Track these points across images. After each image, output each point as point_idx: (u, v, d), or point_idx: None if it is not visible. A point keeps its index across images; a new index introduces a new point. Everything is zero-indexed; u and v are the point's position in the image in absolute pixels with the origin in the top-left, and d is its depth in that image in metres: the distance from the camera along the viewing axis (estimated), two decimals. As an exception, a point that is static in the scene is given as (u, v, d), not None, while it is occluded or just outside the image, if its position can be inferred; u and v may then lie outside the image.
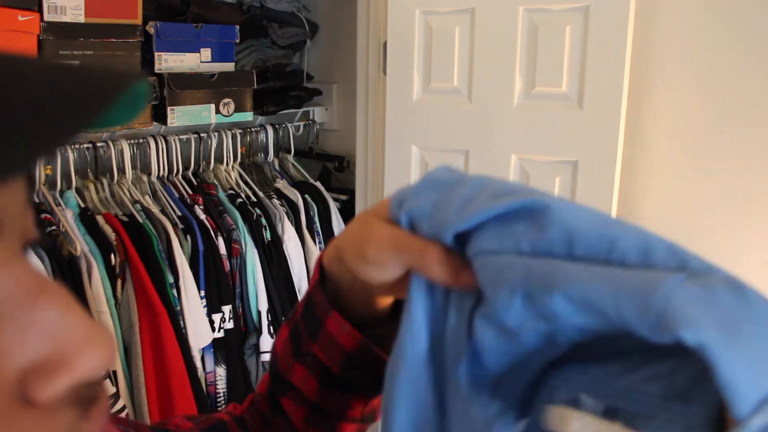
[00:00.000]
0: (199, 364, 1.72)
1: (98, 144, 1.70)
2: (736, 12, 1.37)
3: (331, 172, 2.27)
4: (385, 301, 0.49)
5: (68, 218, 1.57)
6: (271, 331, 1.84)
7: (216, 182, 1.95)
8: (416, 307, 0.38)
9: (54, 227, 1.53)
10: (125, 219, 1.66)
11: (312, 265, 1.98)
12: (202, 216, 1.78)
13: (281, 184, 2.04)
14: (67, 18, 1.56)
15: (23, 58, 0.22)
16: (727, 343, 0.25)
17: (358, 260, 0.41)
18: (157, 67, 1.77)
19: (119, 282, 1.59)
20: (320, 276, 0.48)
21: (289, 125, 2.15)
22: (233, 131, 1.98)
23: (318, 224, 2.04)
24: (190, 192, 1.85)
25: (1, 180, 0.17)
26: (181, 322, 1.66)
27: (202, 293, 1.74)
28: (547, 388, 0.34)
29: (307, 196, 2.02)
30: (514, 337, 0.34)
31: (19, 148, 0.18)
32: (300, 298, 2.03)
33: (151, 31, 1.74)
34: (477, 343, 0.35)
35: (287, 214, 1.94)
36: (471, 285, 0.36)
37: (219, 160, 1.97)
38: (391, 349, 0.41)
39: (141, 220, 1.66)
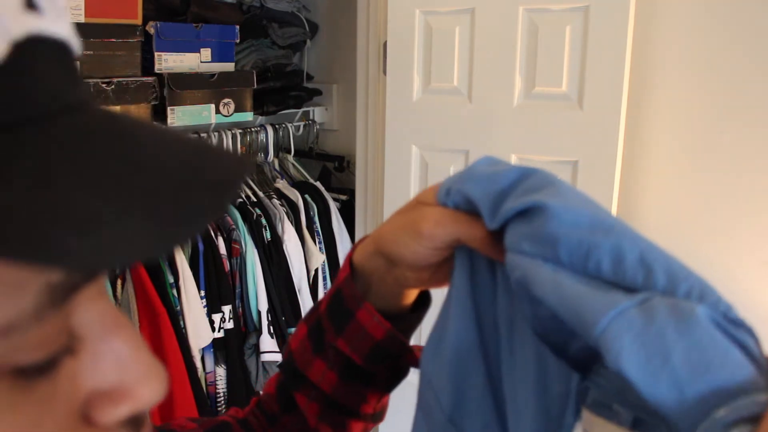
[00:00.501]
0: (199, 364, 1.72)
1: (98, 144, 1.70)
2: (736, 12, 1.37)
3: (331, 172, 2.27)
4: (410, 296, 0.52)
5: (68, 218, 1.57)
6: (271, 331, 1.84)
7: (216, 182, 1.95)
8: (460, 280, 0.44)
9: (54, 227, 1.53)
10: (125, 219, 1.66)
11: (312, 265, 1.98)
12: (202, 216, 1.77)
13: (281, 184, 2.04)
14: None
15: (166, 138, 0.24)
16: (648, 370, 0.28)
17: (411, 238, 0.45)
18: (157, 67, 1.77)
19: (119, 282, 1.59)
20: (350, 272, 0.52)
21: (289, 125, 2.15)
22: (233, 131, 1.98)
23: (318, 224, 2.04)
24: (190, 192, 1.85)
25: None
26: (181, 322, 1.66)
27: (202, 293, 1.74)
28: (584, 386, 0.36)
29: (307, 196, 2.02)
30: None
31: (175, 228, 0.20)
32: (300, 298, 2.04)
33: (151, 31, 1.74)
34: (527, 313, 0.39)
35: (287, 214, 1.94)
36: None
37: (219, 160, 1.97)
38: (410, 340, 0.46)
39: (141, 220, 1.66)
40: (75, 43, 0.22)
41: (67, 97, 0.21)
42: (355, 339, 0.51)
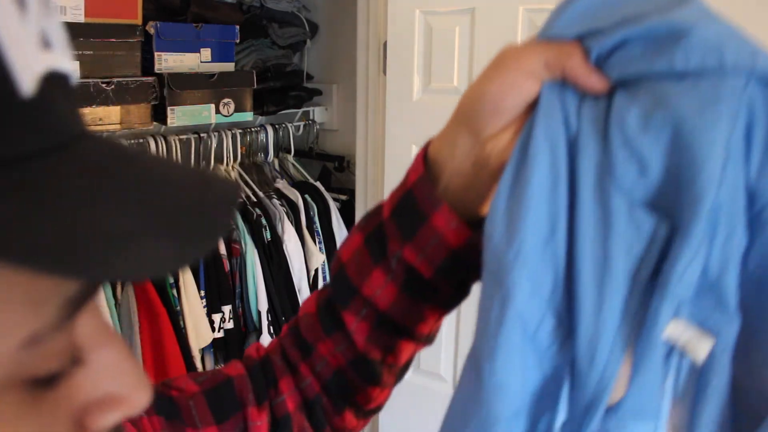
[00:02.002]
0: (199, 364, 1.72)
1: (98, 144, 1.70)
2: (737, 12, 1.37)
3: (331, 172, 2.27)
4: (485, 202, 0.47)
5: (68, 218, 1.57)
6: (271, 331, 1.85)
7: (216, 182, 1.95)
8: (542, 125, 0.40)
9: (54, 227, 1.53)
10: (125, 219, 1.66)
11: (312, 265, 1.98)
12: (202, 216, 1.78)
13: (281, 184, 2.04)
14: (67, 18, 1.56)
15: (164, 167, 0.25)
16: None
17: (497, 73, 0.43)
18: (157, 67, 1.77)
19: (119, 282, 1.59)
20: (425, 170, 0.47)
21: (289, 125, 2.15)
22: (233, 131, 1.98)
23: (318, 224, 2.04)
24: (190, 192, 1.85)
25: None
26: (181, 322, 1.66)
27: (202, 293, 1.74)
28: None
29: (307, 196, 2.02)
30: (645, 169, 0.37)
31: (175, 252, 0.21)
32: (300, 298, 2.04)
33: (151, 31, 1.74)
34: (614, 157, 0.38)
35: (287, 214, 1.94)
36: (604, 88, 0.39)
37: (219, 160, 1.97)
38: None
39: (141, 220, 1.66)
40: (75, 75, 0.24)
41: (77, 126, 0.23)
42: (427, 247, 0.47)
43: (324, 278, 2.03)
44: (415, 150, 1.99)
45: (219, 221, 0.23)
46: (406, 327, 0.51)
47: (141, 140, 1.78)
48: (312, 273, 2.00)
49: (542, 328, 0.40)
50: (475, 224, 0.46)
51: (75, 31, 1.58)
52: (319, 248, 2.02)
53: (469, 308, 1.66)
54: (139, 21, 1.70)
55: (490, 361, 0.40)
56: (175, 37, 1.80)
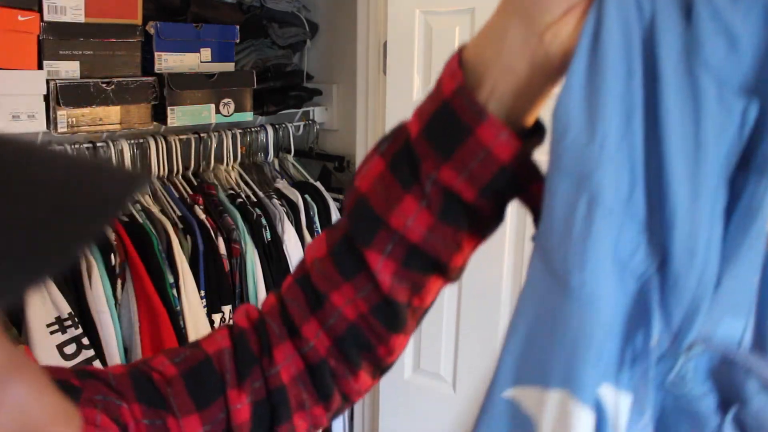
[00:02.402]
0: (199, 364, 1.72)
1: (98, 144, 1.70)
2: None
3: (331, 172, 2.27)
4: (536, 106, 0.42)
5: (68, 218, 1.57)
6: (271, 331, 1.85)
7: (216, 182, 1.95)
8: (612, 14, 0.36)
9: (54, 227, 1.53)
10: (125, 219, 1.66)
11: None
12: (202, 216, 1.78)
13: (281, 184, 2.04)
14: (67, 18, 1.56)
15: (29, 157, 0.21)
16: None
17: None
18: (157, 67, 1.77)
19: (119, 282, 1.59)
20: (463, 78, 0.40)
21: (289, 125, 2.15)
22: (233, 131, 1.98)
23: (318, 224, 2.04)
24: (190, 192, 1.85)
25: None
26: (181, 322, 1.66)
27: (202, 293, 1.74)
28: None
29: (307, 196, 2.02)
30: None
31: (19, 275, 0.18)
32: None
33: (151, 31, 1.74)
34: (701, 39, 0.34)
35: (287, 214, 1.94)
36: None
37: (219, 160, 1.97)
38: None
39: (141, 220, 1.66)
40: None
41: None
42: (471, 165, 0.41)
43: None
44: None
45: (82, 229, 0.20)
46: (440, 260, 0.45)
47: (141, 141, 1.78)
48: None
49: (625, 233, 0.36)
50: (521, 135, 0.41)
51: (75, 31, 1.58)
52: (319, 248, 2.02)
53: (469, 308, 1.67)
54: (139, 21, 1.70)
55: (580, 270, 0.36)
56: (175, 37, 1.79)
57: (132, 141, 1.76)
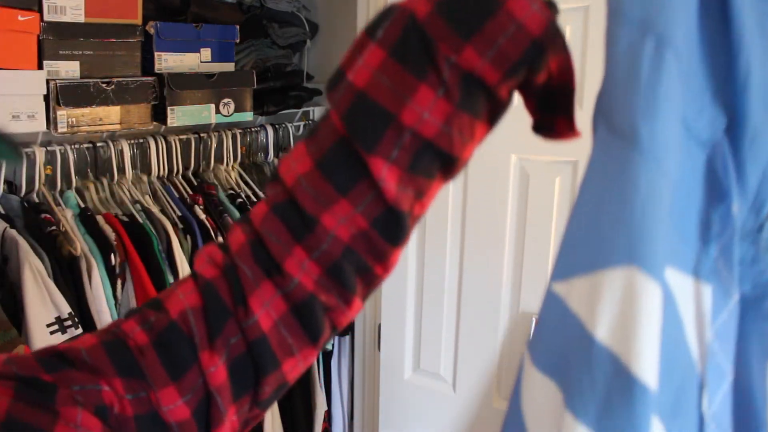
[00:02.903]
0: (199, 364, 1.72)
1: (98, 144, 1.70)
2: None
3: (331, 172, 2.27)
4: None
5: (68, 218, 1.57)
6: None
7: (216, 182, 1.95)
8: None
9: (54, 227, 1.53)
10: (125, 219, 1.66)
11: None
12: (202, 216, 1.78)
13: (281, 184, 2.04)
14: (67, 18, 1.56)
15: None
16: None
17: None
18: (157, 67, 1.77)
19: (119, 282, 1.59)
20: None
21: (289, 125, 2.15)
22: (233, 131, 1.98)
23: (318, 224, 2.03)
24: (190, 192, 1.85)
25: None
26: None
27: (202, 293, 1.73)
28: None
29: (307, 196, 2.02)
30: None
31: None
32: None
33: (151, 31, 1.74)
34: None
35: (287, 214, 1.94)
36: None
37: (219, 160, 1.97)
38: None
39: (141, 220, 1.66)
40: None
41: None
42: (499, 41, 0.37)
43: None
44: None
45: None
46: (452, 155, 0.41)
47: (141, 141, 1.78)
48: None
49: (690, 89, 0.33)
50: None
51: (75, 31, 1.58)
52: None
53: (469, 308, 1.66)
54: (139, 21, 1.70)
55: (651, 119, 0.32)
56: (175, 37, 1.79)
57: (132, 141, 1.76)
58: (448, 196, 1.72)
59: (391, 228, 0.42)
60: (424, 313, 1.81)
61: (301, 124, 2.22)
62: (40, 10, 1.51)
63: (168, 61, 1.79)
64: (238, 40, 1.94)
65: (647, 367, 0.31)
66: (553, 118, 0.45)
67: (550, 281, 0.36)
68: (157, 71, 1.77)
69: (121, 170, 1.76)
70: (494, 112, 0.42)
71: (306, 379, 1.99)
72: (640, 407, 0.31)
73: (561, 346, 0.34)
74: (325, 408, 2.05)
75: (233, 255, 0.43)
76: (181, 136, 1.87)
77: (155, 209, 1.72)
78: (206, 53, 1.88)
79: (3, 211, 1.49)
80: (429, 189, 0.42)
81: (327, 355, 2.12)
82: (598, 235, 0.33)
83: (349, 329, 2.10)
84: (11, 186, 1.57)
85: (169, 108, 1.78)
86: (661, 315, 0.32)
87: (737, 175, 0.33)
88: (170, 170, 1.86)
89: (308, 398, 2.00)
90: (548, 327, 0.35)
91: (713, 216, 0.33)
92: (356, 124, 0.40)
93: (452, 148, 0.41)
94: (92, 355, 0.42)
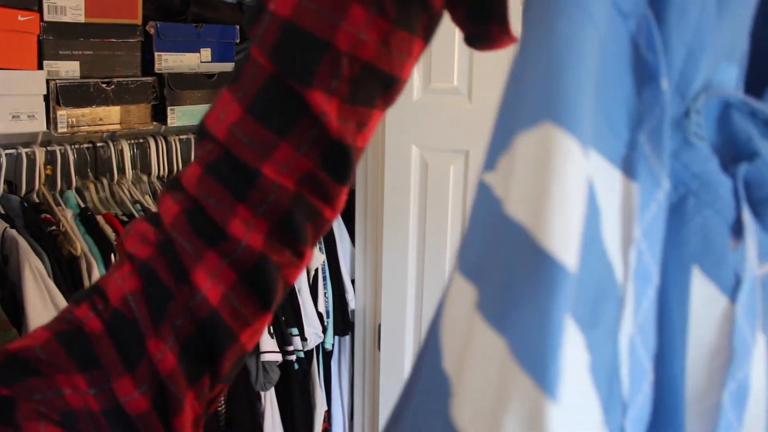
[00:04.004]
0: (199, 364, 1.72)
1: (98, 144, 1.70)
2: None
3: (331, 172, 2.27)
4: None
5: (68, 218, 1.57)
6: (271, 331, 1.84)
7: (216, 182, 1.95)
8: None
9: (54, 227, 1.53)
10: (125, 219, 1.66)
11: (312, 265, 1.98)
12: (202, 216, 1.78)
13: (281, 184, 2.04)
14: (67, 18, 1.56)
15: None
16: None
17: None
18: (157, 67, 1.77)
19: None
20: None
21: (289, 125, 2.15)
22: (233, 131, 1.98)
23: (318, 224, 2.03)
24: (190, 192, 1.85)
25: None
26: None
27: (202, 293, 1.74)
28: None
29: (307, 196, 2.02)
30: None
31: None
32: (300, 298, 2.02)
33: (151, 31, 1.74)
34: None
35: (287, 214, 1.94)
36: None
37: (219, 160, 1.97)
38: None
39: (141, 220, 1.66)
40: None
41: None
42: None
43: (324, 278, 2.03)
44: (415, 150, 1.99)
45: None
46: (392, 77, 0.39)
47: (141, 141, 1.78)
48: (312, 273, 2.00)
49: None
50: None
51: (75, 31, 1.58)
52: (319, 248, 2.02)
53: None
54: (139, 21, 1.70)
55: None
56: (175, 37, 1.79)
57: (132, 141, 1.76)
58: (448, 196, 1.72)
59: (338, 165, 0.40)
60: (424, 313, 1.81)
61: (301, 124, 2.22)
62: (40, 10, 1.51)
63: (168, 61, 1.79)
64: (238, 40, 1.94)
65: (561, 238, 0.24)
66: (486, 27, 0.43)
67: (481, 172, 0.29)
68: (157, 71, 1.77)
69: (121, 170, 1.76)
70: (429, 25, 0.40)
71: (306, 379, 1.99)
72: (551, 295, 0.24)
73: (484, 240, 0.28)
74: (325, 408, 2.05)
75: (167, 229, 0.39)
76: (181, 136, 1.87)
77: (156, 209, 1.72)
78: (206, 53, 1.88)
79: (3, 211, 1.49)
80: (370, 119, 0.40)
81: (327, 355, 2.12)
82: (517, 100, 0.28)
83: (349, 329, 2.11)
84: (11, 186, 1.57)
85: (169, 108, 1.78)
86: (580, 177, 0.25)
87: (664, 51, 0.29)
88: (170, 170, 1.86)
89: (308, 398, 2.00)
90: (476, 224, 0.28)
91: (642, 97, 0.30)
92: (287, 57, 0.37)
93: (392, 68, 0.38)
94: (48, 351, 0.38)
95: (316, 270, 2.02)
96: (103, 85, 1.63)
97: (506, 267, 0.25)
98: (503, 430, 0.23)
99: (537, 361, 0.23)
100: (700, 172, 0.30)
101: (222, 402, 1.80)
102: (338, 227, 2.08)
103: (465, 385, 0.25)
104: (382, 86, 0.39)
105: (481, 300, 0.26)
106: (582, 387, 0.26)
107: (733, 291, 0.30)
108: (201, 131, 0.40)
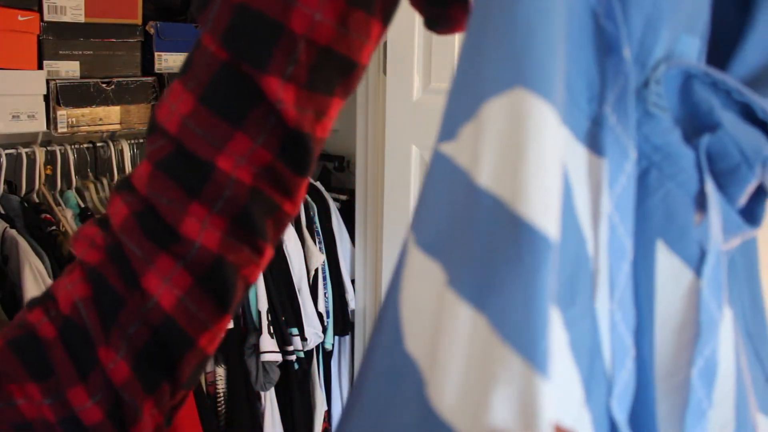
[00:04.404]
0: (199, 364, 1.72)
1: (98, 144, 1.70)
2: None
3: (331, 172, 2.27)
4: None
5: (68, 218, 1.57)
6: (271, 331, 1.84)
7: (216, 182, 1.95)
8: None
9: (54, 227, 1.53)
10: (125, 219, 1.66)
11: (312, 265, 1.98)
12: (202, 216, 1.78)
13: (281, 184, 2.04)
14: (67, 18, 1.56)
15: None
16: None
17: None
18: (157, 67, 1.77)
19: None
20: None
21: (289, 125, 2.15)
22: (233, 131, 1.98)
23: (318, 224, 2.04)
24: (190, 192, 1.85)
25: None
26: (181, 322, 1.66)
27: (202, 293, 1.74)
28: None
29: (307, 196, 2.02)
30: None
31: None
32: (300, 298, 2.01)
33: (151, 31, 1.74)
34: None
35: (287, 214, 1.94)
36: None
37: (219, 160, 1.97)
38: None
39: (141, 220, 1.66)
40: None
41: None
42: None
43: (324, 278, 2.03)
44: (415, 150, 1.99)
45: None
46: (350, 60, 0.37)
47: (141, 141, 1.78)
48: (312, 273, 2.00)
49: None
50: None
51: (75, 31, 1.58)
52: (319, 248, 2.02)
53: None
54: (139, 21, 1.70)
55: None
56: (175, 37, 1.79)
57: (132, 141, 1.76)
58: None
59: (297, 155, 0.37)
60: (424, 313, 1.81)
61: (301, 124, 2.22)
62: (40, 10, 1.51)
63: (168, 61, 1.79)
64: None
65: (541, 207, 0.23)
66: (446, 9, 0.42)
67: (436, 144, 0.28)
68: (157, 71, 1.77)
69: (121, 170, 1.76)
70: (387, 6, 0.39)
71: (306, 379, 1.99)
72: (536, 268, 0.23)
73: (449, 215, 0.26)
74: (325, 408, 2.05)
75: (116, 232, 0.37)
76: (181, 136, 1.87)
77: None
78: (206, 53, 1.88)
79: (3, 211, 1.49)
80: (330, 107, 0.38)
81: (327, 355, 2.12)
82: (479, 67, 0.26)
83: (349, 329, 2.11)
84: (11, 186, 1.57)
85: (169, 108, 1.78)
86: (557, 144, 0.24)
87: (624, 20, 0.28)
88: (170, 170, 1.86)
89: (308, 398, 2.00)
90: (435, 196, 0.27)
91: (604, 68, 0.29)
92: (240, 42, 0.35)
93: (351, 51, 0.37)
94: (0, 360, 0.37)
95: (316, 270, 2.02)
96: (103, 85, 1.63)
97: (481, 241, 0.24)
98: (492, 409, 0.22)
99: (525, 338, 0.22)
100: (661, 144, 0.29)
101: (222, 402, 1.80)
102: (338, 227, 2.08)
103: (442, 367, 0.24)
104: (340, 71, 0.37)
105: (453, 277, 0.25)
106: (563, 365, 0.25)
107: (698, 265, 0.29)
108: (151, 126, 0.38)
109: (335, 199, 2.11)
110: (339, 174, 2.26)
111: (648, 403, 0.29)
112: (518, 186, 0.23)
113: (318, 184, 2.09)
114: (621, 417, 0.27)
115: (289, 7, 0.34)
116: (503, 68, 0.25)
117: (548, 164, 0.24)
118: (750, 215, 0.32)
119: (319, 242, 2.03)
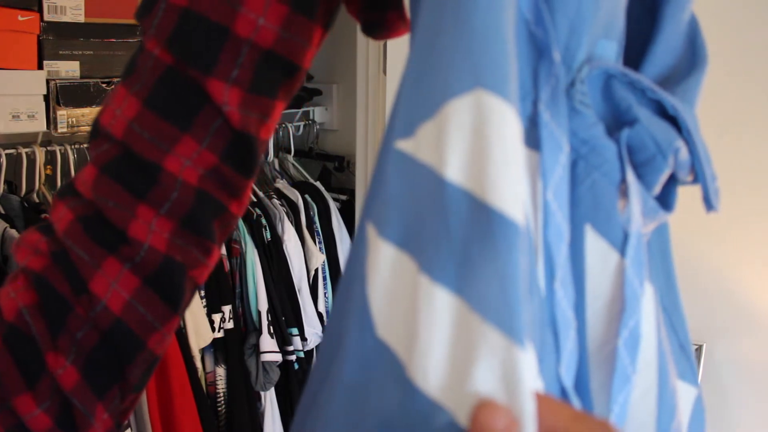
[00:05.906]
0: (199, 364, 1.72)
1: (98, 144, 1.70)
2: (736, 13, 1.37)
3: (331, 172, 2.27)
4: None
5: (68, 218, 1.57)
6: (271, 331, 1.85)
7: (216, 182, 1.95)
8: None
9: (54, 227, 1.53)
10: (125, 219, 1.66)
11: (312, 265, 1.98)
12: (202, 216, 1.77)
13: (281, 184, 2.04)
14: (67, 18, 1.56)
15: None
16: None
17: None
18: (157, 67, 1.77)
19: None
20: None
21: (288, 125, 2.15)
22: (233, 131, 1.98)
23: (318, 224, 2.04)
24: (190, 192, 1.85)
25: None
26: (181, 322, 1.66)
27: (202, 293, 1.74)
28: None
29: (307, 196, 2.02)
30: None
31: None
32: (300, 298, 2.02)
33: (151, 31, 1.74)
34: None
35: (287, 214, 1.94)
36: None
37: (219, 160, 1.97)
38: None
39: (141, 220, 1.66)
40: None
41: None
42: None
43: (324, 278, 2.03)
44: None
45: None
46: (293, 63, 0.38)
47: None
48: (312, 273, 2.00)
49: None
50: None
51: (75, 31, 1.58)
52: (319, 248, 2.02)
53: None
54: (139, 21, 1.70)
55: None
56: (175, 37, 1.80)
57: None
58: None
59: (242, 157, 0.38)
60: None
61: (301, 124, 2.22)
62: (40, 10, 1.51)
63: (168, 61, 1.79)
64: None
65: (507, 196, 0.25)
66: (382, 14, 0.44)
67: (389, 141, 0.30)
68: (157, 71, 1.77)
69: (121, 170, 1.76)
70: (328, 10, 0.40)
71: (306, 379, 1.99)
72: (508, 251, 0.25)
73: (415, 209, 0.28)
74: (325, 408, 2.05)
75: (61, 238, 0.37)
76: (181, 136, 1.86)
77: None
78: (206, 53, 1.88)
79: (3, 211, 1.48)
80: (273, 109, 0.39)
81: (327, 355, 2.12)
82: (437, 69, 0.28)
83: (349, 329, 2.11)
84: (11, 186, 1.57)
85: (169, 108, 1.78)
86: (518, 140, 0.26)
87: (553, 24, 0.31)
88: (170, 170, 1.85)
89: (308, 398, 2.00)
90: (396, 190, 0.28)
91: (536, 71, 0.31)
92: (186, 46, 0.36)
93: (293, 55, 0.38)
94: None
95: (316, 270, 2.02)
96: (103, 85, 1.62)
97: (453, 230, 0.26)
98: (476, 381, 0.24)
99: (503, 314, 0.24)
100: (587, 137, 0.32)
101: (222, 402, 1.80)
102: (338, 227, 2.08)
103: (423, 348, 0.25)
104: (283, 75, 0.38)
105: (424, 265, 0.26)
106: None
107: (622, 246, 0.32)
108: (95, 131, 0.39)
109: (335, 199, 2.11)
110: (339, 174, 2.26)
111: (583, 375, 0.32)
112: (487, 178, 0.26)
113: (318, 184, 2.09)
114: (569, 383, 0.30)
115: (234, 12, 0.35)
116: (462, 70, 0.27)
117: (513, 158, 0.26)
118: (664, 201, 0.37)
119: (319, 242, 2.03)
